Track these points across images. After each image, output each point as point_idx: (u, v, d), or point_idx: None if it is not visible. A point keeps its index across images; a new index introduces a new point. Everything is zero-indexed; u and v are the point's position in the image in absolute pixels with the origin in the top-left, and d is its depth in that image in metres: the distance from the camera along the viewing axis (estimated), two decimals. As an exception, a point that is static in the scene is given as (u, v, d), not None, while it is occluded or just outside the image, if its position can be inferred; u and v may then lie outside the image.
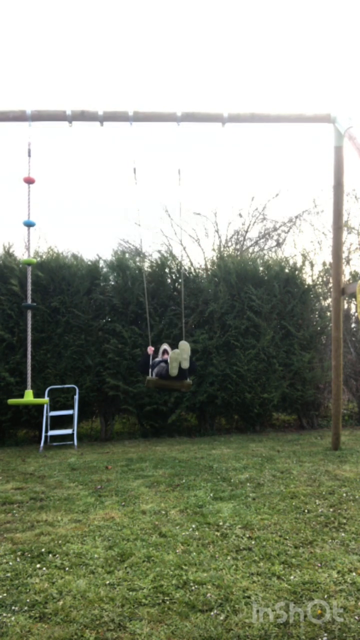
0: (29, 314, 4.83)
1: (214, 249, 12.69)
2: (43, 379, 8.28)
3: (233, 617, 2.52)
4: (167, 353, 5.29)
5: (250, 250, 14.72)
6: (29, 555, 3.33)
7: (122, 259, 9.00)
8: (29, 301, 4.77)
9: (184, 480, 5.20)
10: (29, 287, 4.82)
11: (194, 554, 3.29)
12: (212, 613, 2.57)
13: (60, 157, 21.65)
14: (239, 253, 13.71)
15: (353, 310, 9.68)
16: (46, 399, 4.87)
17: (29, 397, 4.53)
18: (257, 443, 7.69)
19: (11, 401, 4.62)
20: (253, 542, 3.46)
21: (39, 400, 4.60)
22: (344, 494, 4.54)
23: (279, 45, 23.46)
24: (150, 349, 5.25)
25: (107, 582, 2.93)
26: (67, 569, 3.11)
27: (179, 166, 5.08)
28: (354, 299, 9.05)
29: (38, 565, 3.17)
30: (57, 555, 3.31)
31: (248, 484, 4.98)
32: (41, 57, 24.38)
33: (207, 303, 8.87)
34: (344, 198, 6.49)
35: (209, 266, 9.74)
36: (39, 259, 8.74)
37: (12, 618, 2.56)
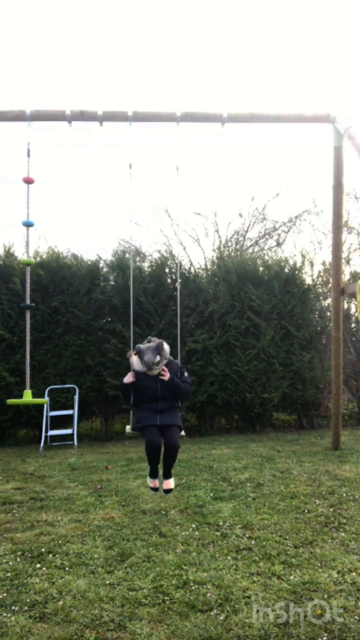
0: (28, 314, 4.83)
1: (214, 249, 12.69)
2: (43, 379, 8.27)
3: (233, 617, 2.52)
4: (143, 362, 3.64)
5: (250, 250, 14.73)
6: (29, 555, 3.33)
7: (122, 259, 9.00)
8: (28, 301, 4.77)
9: (184, 480, 5.20)
10: (28, 287, 4.81)
11: (194, 554, 3.29)
12: (212, 613, 2.57)
13: (60, 157, 21.65)
14: (239, 253, 13.71)
15: (353, 310, 9.68)
16: (45, 399, 4.85)
17: (27, 397, 4.53)
18: (257, 443, 7.69)
19: (10, 401, 4.61)
20: (253, 542, 3.46)
21: (37, 400, 4.60)
22: (344, 494, 4.54)
23: (279, 45, 23.46)
24: (131, 357, 3.83)
25: (107, 582, 2.93)
26: (67, 569, 3.11)
27: (177, 164, 5.06)
28: (354, 299, 9.05)
29: (38, 565, 3.17)
30: (57, 555, 3.31)
31: (248, 484, 4.98)
32: (41, 57, 24.38)
33: (207, 303, 8.87)
34: (344, 198, 6.49)
35: (209, 266, 9.74)
36: (39, 259, 8.74)
37: (12, 618, 2.56)
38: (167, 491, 3.76)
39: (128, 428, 3.86)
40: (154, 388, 3.66)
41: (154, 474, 3.81)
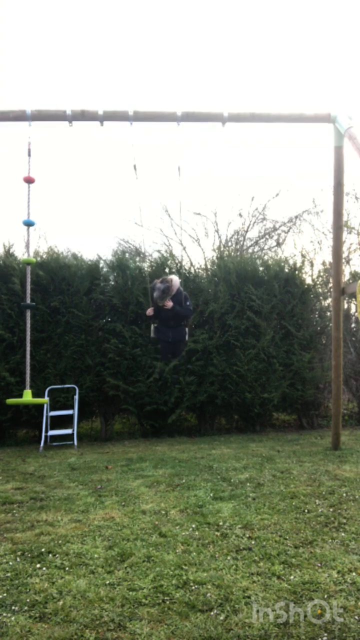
0: (28, 314, 4.83)
1: (214, 249, 12.69)
2: (43, 379, 8.27)
3: (233, 617, 2.52)
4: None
5: (250, 250, 14.72)
6: (29, 555, 3.33)
7: (122, 259, 8.99)
8: (28, 301, 4.78)
9: (184, 480, 5.20)
10: (28, 287, 4.82)
11: (194, 554, 3.28)
12: (212, 613, 2.57)
13: (60, 157, 21.66)
14: (238, 253, 13.71)
15: (353, 310, 9.68)
16: (45, 399, 4.87)
17: (27, 396, 4.53)
18: (257, 443, 7.68)
19: (9, 401, 4.62)
20: (253, 542, 3.45)
21: (37, 400, 4.61)
22: (344, 494, 4.54)
23: (279, 45, 23.47)
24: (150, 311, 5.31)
25: (107, 582, 2.93)
26: (67, 569, 3.11)
27: (179, 164, 5.07)
28: (354, 299, 9.05)
29: (38, 565, 3.17)
30: (57, 555, 3.31)
31: (248, 484, 4.98)
32: (41, 57, 24.39)
33: (207, 303, 8.87)
34: (344, 198, 6.49)
35: (209, 266, 9.74)
36: (39, 258, 8.74)
37: (12, 618, 2.56)
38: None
39: (152, 332, 5.42)
40: (167, 311, 5.14)
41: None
